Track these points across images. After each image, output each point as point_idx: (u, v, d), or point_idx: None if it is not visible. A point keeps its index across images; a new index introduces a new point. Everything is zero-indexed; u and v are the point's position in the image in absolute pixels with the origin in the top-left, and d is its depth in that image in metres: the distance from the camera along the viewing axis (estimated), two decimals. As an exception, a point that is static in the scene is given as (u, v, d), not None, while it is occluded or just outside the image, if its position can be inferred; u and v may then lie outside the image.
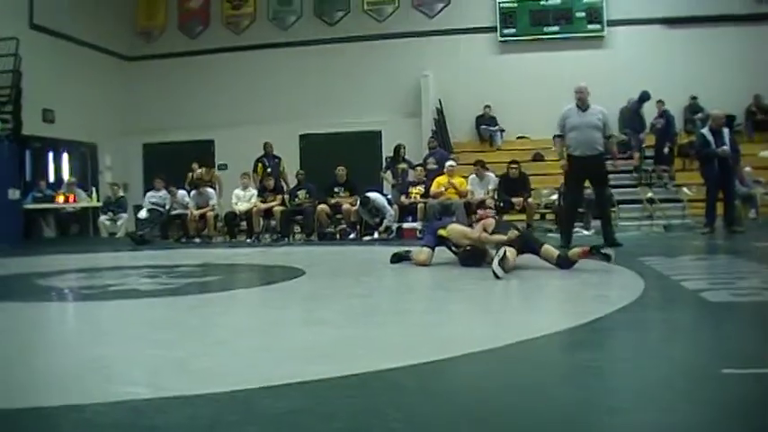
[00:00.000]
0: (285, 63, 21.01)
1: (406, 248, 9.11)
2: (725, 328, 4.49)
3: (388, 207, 14.49)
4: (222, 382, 3.29)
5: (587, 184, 10.65)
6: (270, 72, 21.00)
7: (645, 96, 17.46)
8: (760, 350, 3.75)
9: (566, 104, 10.52)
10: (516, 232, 8.08)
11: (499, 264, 7.05)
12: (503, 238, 7.92)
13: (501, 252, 7.29)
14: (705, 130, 12.58)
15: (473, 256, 8.12)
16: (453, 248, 8.53)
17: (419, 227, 13.73)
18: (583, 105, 10.16)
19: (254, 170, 16.60)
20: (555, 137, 10.55)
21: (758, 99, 18.58)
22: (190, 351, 4.12)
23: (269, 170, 16.31)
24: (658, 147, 17.18)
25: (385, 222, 14.23)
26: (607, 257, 7.59)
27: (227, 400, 2.99)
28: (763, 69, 18.29)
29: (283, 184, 16.47)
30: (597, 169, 10.10)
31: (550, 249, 7.94)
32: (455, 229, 8.49)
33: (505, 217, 14.02)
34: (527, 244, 8.03)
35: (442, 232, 8.49)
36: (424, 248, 8.52)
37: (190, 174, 16.99)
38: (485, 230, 8.18)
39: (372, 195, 14.61)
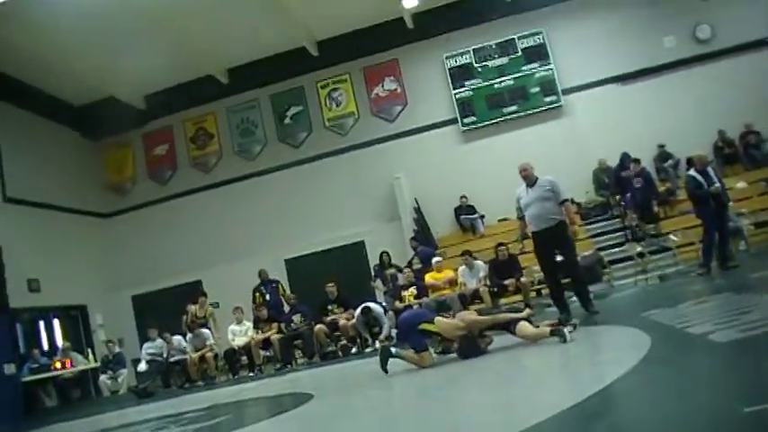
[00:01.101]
0: (258, 192, 21.18)
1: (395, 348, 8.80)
2: (738, 367, 4.43)
3: (384, 316, 14.40)
4: None
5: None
6: (245, 204, 21.13)
7: (624, 158, 17.72)
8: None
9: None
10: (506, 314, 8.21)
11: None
12: (498, 317, 8.07)
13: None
14: (692, 172, 12.76)
15: (471, 345, 8.05)
16: (439, 347, 8.40)
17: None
18: (530, 182, 10.24)
19: (253, 300, 16.50)
20: (518, 219, 10.63)
21: (722, 134, 18.88)
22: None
23: (267, 297, 16.24)
24: (644, 206, 17.04)
25: (384, 331, 14.10)
26: (562, 335, 7.56)
27: None
28: (720, 105, 18.64)
29: (286, 306, 16.24)
30: (558, 238, 10.10)
31: (526, 327, 8.06)
32: (444, 321, 8.32)
33: (502, 300, 14.07)
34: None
35: (427, 327, 8.22)
36: (423, 354, 8.17)
37: (185, 316, 16.83)
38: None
39: (372, 305, 14.55)
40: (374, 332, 14.26)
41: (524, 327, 8.05)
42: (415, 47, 21.13)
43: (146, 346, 16.58)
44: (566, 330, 7.64)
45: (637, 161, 17.65)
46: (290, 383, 10.86)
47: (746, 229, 15.00)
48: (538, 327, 8.10)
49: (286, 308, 16.21)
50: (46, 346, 18.79)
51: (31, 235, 18.27)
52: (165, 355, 16.14)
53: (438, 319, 8.41)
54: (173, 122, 22.63)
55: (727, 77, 18.97)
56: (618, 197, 18.16)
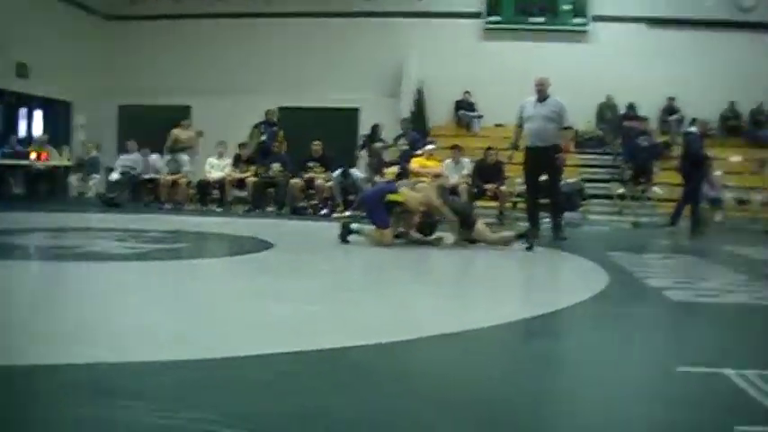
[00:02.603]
0: (269, 34, 20.84)
1: (357, 224, 8.96)
2: (684, 328, 4.56)
3: (362, 185, 14.50)
4: (186, 350, 3.33)
5: None
6: (253, 42, 20.81)
7: (630, 109, 18.17)
8: (715, 350, 3.81)
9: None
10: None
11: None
12: (451, 215, 8.40)
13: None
14: (697, 134, 12.86)
15: (430, 223, 8.27)
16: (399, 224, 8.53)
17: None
18: (540, 97, 10.23)
19: (251, 135, 16.46)
20: (517, 126, 10.66)
21: (733, 105, 18.85)
22: (155, 318, 4.14)
23: (264, 137, 16.23)
24: (644, 168, 16.18)
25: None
26: (528, 242, 8.22)
27: (189, 368, 3.02)
28: (740, 77, 18.45)
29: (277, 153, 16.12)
30: (548, 160, 10.16)
31: (483, 230, 8.50)
32: (410, 193, 8.38)
33: (478, 203, 14.17)
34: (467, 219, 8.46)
35: (394, 197, 8.29)
36: (385, 231, 8.26)
37: (172, 134, 16.78)
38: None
39: (353, 170, 14.67)
40: (348, 199, 14.39)
41: (483, 229, 8.27)
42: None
43: (122, 157, 16.60)
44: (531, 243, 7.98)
45: (645, 119, 17.61)
46: (254, 228, 10.91)
47: (727, 201, 15.07)
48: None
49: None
50: (23, 135, 18.71)
51: (31, 19, 17.78)
52: (139, 170, 16.20)
53: (404, 189, 8.50)
54: (201, -60, 22.05)
55: (756, 51, 18.78)
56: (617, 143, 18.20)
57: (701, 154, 12.72)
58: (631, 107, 18.59)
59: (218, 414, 2.40)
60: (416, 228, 8.36)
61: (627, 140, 17.16)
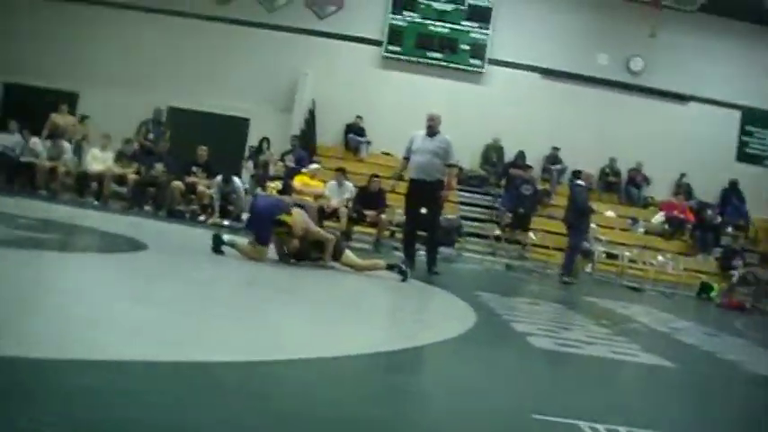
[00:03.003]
0: (168, 31, 20.44)
1: (229, 235, 8.82)
2: (543, 375, 4.71)
3: (242, 196, 14.45)
4: (30, 348, 3.19)
5: None
6: (151, 37, 20.38)
7: (519, 158, 18.74)
8: (570, 400, 3.94)
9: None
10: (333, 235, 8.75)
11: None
12: (330, 237, 8.53)
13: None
14: (584, 186, 13.42)
15: (306, 250, 8.32)
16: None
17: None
18: (430, 132, 10.44)
19: (138, 132, 16.20)
20: (403, 158, 10.83)
21: (613, 162, 19.70)
22: (14, 312, 3.97)
23: (151, 136, 15.99)
24: (523, 217, 16.89)
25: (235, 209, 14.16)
26: (403, 273, 8.34)
27: (26, 369, 2.89)
28: (623, 137, 19.47)
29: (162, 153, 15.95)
30: (431, 194, 10.35)
31: (351, 257, 8.63)
32: (299, 216, 8.36)
33: (355, 228, 14.30)
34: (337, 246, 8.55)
35: (284, 218, 8.17)
36: (260, 247, 8.20)
37: (50, 119, 16.41)
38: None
39: (236, 178, 14.60)
40: (227, 209, 14.27)
41: (350, 256, 8.40)
42: (371, -42, 20.83)
43: (1, 136, 16.07)
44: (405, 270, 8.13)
45: (529, 167, 18.26)
46: (129, 227, 10.71)
47: (598, 255, 15.61)
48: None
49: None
50: None
51: None
52: (17, 152, 15.70)
53: (296, 210, 8.50)
54: None
55: (641, 113, 19.76)
56: (499, 186, 18.77)
57: (587, 206, 13.19)
58: (521, 156, 19.07)
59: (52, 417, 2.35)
60: (293, 253, 8.36)
61: (511, 187, 17.62)
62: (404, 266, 8.54)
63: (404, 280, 8.28)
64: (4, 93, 20.36)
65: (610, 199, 19.15)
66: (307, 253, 8.40)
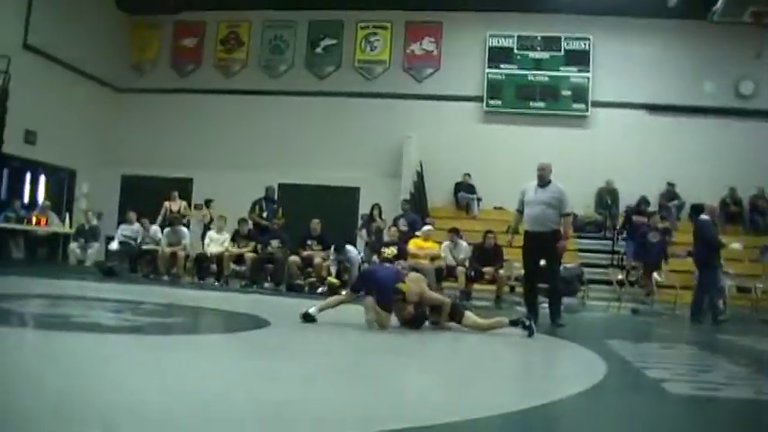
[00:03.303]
0: (272, 110, 21.12)
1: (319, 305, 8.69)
2: (683, 423, 4.50)
3: (356, 264, 14.53)
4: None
5: None
6: (256, 118, 21.09)
7: (642, 203, 18.03)
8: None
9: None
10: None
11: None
12: (446, 300, 8.48)
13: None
14: (708, 219, 13.02)
15: (421, 315, 8.22)
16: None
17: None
18: (542, 182, 10.28)
19: (251, 210, 16.55)
20: (517, 211, 10.70)
21: (733, 191, 18.96)
22: (146, 395, 4.05)
23: (265, 214, 16.34)
24: (656, 265, 15.39)
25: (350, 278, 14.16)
26: (528, 329, 8.10)
27: None
28: (739, 163, 18.74)
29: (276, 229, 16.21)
30: (548, 245, 10.16)
31: (473, 317, 8.42)
32: (413, 282, 8.32)
33: (474, 286, 14.18)
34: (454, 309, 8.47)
35: (401, 286, 8.13)
36: (385, 314, 8.09)
37: (164, 207, 17.03)
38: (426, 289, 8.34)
39: (349, 247, 14.69)
40: (343, 279, 14.30)
41: (471, 317, 8.28)
42: (462, 16, 21.03)
43: (122, 227, 16.71)
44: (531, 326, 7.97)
45: (654, 213, 17.29)
46: (250, 304, 10.90)
47: (729, 289, 15.02)
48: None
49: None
50: (27, 200, 18.85)
51: (41, 88, 18.16)
52: (138, 241, 16.25)
53: (411, 276, 8.47)
54: (207, 19, 22.57)
55: (755, 137, 19.12)
56: (621, 235, 18.23)
57: (717, 240, 12.72)
58: (644, 201, 18.46)
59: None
60: (406, 319, 8.29)
61: (636, 235, 16.88)
62: (527, 321, 8.36)
63: (530, 335, 8.09)
64: (121, 184, 21.14)
65: (734, 230, 18.33)
66: (422, 318, 8.32)
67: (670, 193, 19.01)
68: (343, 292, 9.09)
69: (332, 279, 14.26)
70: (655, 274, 14.99)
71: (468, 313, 8.49)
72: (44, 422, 3.25)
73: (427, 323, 8.40)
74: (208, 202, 17.87)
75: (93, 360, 5.30)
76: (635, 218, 17.72)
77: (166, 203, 17.29)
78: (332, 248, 14.73)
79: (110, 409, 3.62)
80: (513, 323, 8.35)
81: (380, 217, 16.72)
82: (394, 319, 8.25)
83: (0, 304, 8.19)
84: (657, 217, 16.76)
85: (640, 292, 15.22)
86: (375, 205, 16.99)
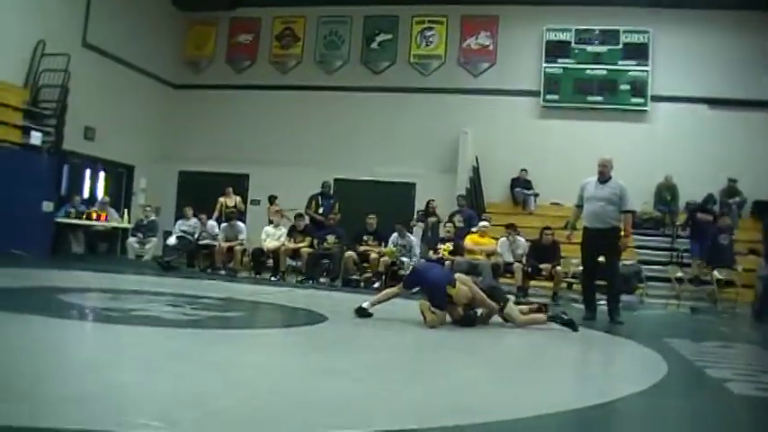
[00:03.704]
0: (327, 106, 21.19)
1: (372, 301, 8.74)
2: (747, 425, 4.41)
3: (415, 252, 14.64)
4: (235, 425, 3.31)
5: None
6: (311, 113, 21.20)
7: (708, 201, 17.36)
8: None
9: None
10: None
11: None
12: (494, 306, 8.35)
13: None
14: None
15: (471, 316, 8.17)
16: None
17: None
18: (602, 178, 10.15)
19: (308, 206, 16.63)
20: (576, 206, 10.60)
21: (796, 187, 18.36)
22: (206, 388, 4.09)
23: (321, 209, 16.41)
24: (728, 265, 15.08)
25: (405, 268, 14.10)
26: (568, 324, 8.16)
27: None
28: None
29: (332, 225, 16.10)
30: (607, 242, 10.04)
31: (514, 310, 8.46)
32: (462, 285, 8.22)
33: (531, 283, 14.09)
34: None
35: (450, 291, 8.10)
36: (439, 312, 8.06)
37: (219, 203, 17.22)
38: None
39: (410, 236, 14.87)
40: (399, 271, 14.15)
41: (513, 310, 8.22)
42: (519, 10, 20.85)
43: (180, 222, 16.90)
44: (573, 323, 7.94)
45: (722, 215, 16.70)
46: (307, 299, 10.98)
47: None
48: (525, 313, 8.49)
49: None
50: (86, 195, 19.16)
51: (100, 85, 18.52)
52: (196, 236, 16.43)
53: (461, 279, 8.42)
54: (262, 15, 22.68)
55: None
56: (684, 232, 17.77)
57: None
58: (710, 199, 17.86)
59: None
60: (456, 319, 8.25)
61: (700, 235, 16.54)
62: (565, 316, 8.29)
63: (574, 330, 8.04)
64: (178, 180, 21.39)
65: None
66: (473, 318, 8.27)
67: (731, 190, 18.55)
68: (394, 288, 9.03)
69: (390, 249, 14.37)
70: (715, 272, 14.72)
71: (510, 304, 8.43)
72: (108, 415, 3.29)
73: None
74: (272, 199, 17.88)
75: (154, 353, 5.37)
76: (699, 215, 17.23)
77: (221, 199, 17.51)
78: (394, 235, 14.80)
79: (172, 402, 3.66)
80: (552, 318, 8.31)
81: (436, 212, 16.67)
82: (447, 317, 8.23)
83: (62, 297, 8.35)
84: (727, 218, 16.30)
85: (700, 290, 14.98)
86: (431, 200, 16.96)
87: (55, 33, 17.06)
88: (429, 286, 8.23)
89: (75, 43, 18.00)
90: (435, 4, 21.38)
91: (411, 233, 15.90)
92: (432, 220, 16.51)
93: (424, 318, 8.00)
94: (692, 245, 17.04)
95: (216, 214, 17.16)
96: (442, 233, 15.46)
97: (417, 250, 14.95)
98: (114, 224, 17.90)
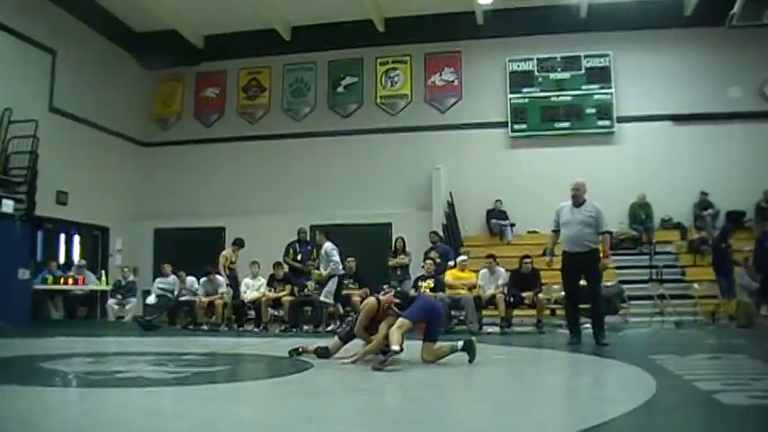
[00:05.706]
0: (298, 153, 21.25)
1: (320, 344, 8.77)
2: (739, 434, 4.41)
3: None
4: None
5: None
6: (283, 161, 21.24)
7: (725, 233, 16.27)
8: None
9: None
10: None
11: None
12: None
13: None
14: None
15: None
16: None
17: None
18: (576, 202, 10.23)
19: (286, 254, 16.48)
20: (552, 231, 10.63)
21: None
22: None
23: (299, 257, 16.30)
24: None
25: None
26: (466, 349, 7.76)
27: None
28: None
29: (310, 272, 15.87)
30: (587, 265, 10.09)
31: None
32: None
33: (515, 312, 14.08)
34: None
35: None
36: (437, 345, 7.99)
37: (222, 259, 16.70)
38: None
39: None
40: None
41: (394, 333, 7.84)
42: (480, 44, 21.05)
43: (158, 280, 16.82)
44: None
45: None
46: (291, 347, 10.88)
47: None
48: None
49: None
50: (63, 260, 19.02)
51: (69, 149, 18.48)
52: (175, 293, 16.34)
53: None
54: (228, 67, 22.79)
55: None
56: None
57: None
58: (727, 231, 16.49)
59: None
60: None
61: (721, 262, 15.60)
62: (473, 341, 7.91)
63: (470, 360, 7.81)
64: (154, 238, 21.31)
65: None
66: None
67: (704, 203, 18.74)
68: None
69: (320, 272, 14.42)
70: (695, 285, 14.82)
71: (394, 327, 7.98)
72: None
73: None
74: (238, 242, 17.24)
75: (139, 414, 5.29)
76: (723, 246, 15.79)
77: (224, 253, 16.47)
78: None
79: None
80: (453, 351, 7.92)
81: (404, 250, 16.46)
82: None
83: (45, 365, 8.24)
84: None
85: (682, 306, 15.08)
86: (398, 238, 16.77)
87: (21, 100, 17.05)
88: (437, 318, 8.13)
89: (43, 108, 17.99)
90: (398, 45, 21.52)
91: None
92: (396, 260, 16.24)
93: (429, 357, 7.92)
94: (718, 281, 15.47)
95: (225, 271, 16.00)
96: (422, 271, 15.27)
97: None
98: (92, 287, 17.77)
